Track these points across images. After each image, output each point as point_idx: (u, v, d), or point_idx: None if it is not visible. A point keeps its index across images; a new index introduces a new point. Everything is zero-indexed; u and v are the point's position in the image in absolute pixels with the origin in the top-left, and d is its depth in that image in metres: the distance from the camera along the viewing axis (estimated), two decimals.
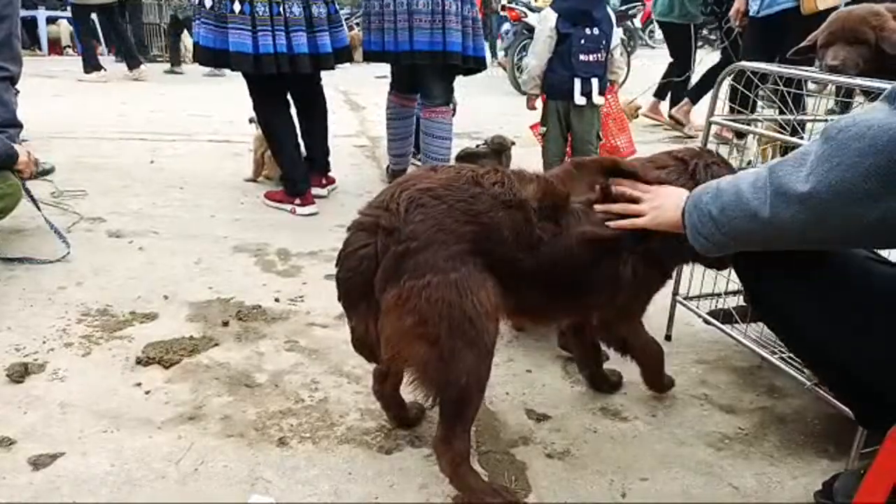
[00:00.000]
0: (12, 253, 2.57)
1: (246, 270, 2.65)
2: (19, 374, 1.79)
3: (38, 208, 2.68)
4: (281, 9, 2.99)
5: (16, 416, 1.66)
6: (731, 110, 2.01)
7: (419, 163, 3.98)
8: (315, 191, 3.56)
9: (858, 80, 1.52)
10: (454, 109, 3.78)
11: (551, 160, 3.65)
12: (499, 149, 4.50)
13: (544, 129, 4.10)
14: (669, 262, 1.68)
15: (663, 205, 1.43)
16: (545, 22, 3.23)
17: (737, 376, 2.06)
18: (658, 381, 1.87)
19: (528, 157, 4.40)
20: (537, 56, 3.26)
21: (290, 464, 1.57)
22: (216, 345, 2.06)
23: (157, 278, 2.50)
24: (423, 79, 3.57)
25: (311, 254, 2.85)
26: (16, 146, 2.58)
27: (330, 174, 3.76)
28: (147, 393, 1.79)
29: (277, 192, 3.46)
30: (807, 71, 1.71)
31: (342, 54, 3.35)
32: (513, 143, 4.63)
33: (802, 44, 1.86)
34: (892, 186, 0.94)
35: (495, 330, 1.40)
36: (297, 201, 3.36)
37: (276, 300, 2.40)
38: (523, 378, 2.01)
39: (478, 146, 4.57)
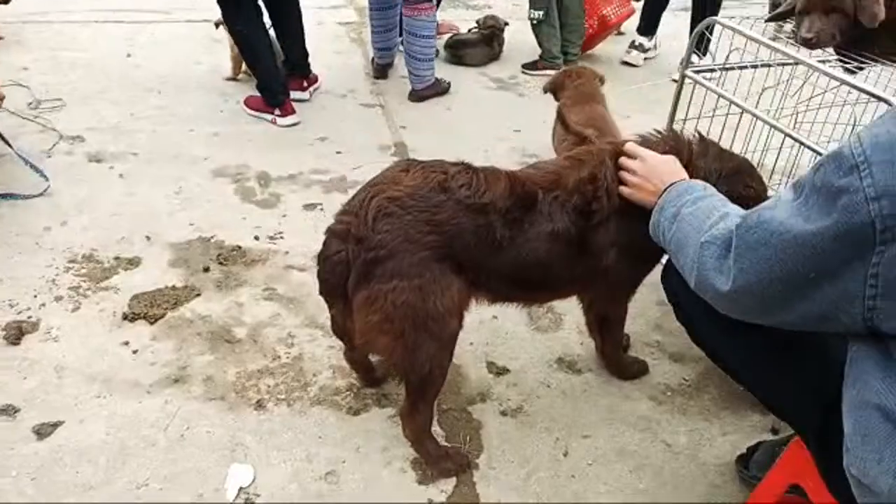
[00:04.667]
0: None
1: (226, 200, 2.70)
2: (15, 335, 1.93)
3: (9, 145, 2.67)
4: None
5: (16, 382, 1.82)
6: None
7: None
8: (296, 95, 3.48)
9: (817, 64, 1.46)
10: (438, 3, 3.56)
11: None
12: (490, 34, 4.28)
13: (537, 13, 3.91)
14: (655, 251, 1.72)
15: (644, 187, 1.48)
16: None
17: None
18: (612, 365, 1.98)
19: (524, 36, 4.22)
20: None
21: (267, 428, 1.75)
22: (198, 295, 2.17)
23: (139, 214, 2.56)
24: None
25: (290, 178, 2.87)
26: None
27: (311, 75, 3.64)
28: (135, 353, 1.94)
29: (257, 98, 3.38)
30: (775, 42, 1.63)
31: None
32: (506, 24, 4.40)
33: (780, 9, 1.74)
34: (799, 292, 0.98)
35: (458, 325, 1.52)
36: (277, 112, 3.30)
37: (256, 237, 2.47)
38: (489, 326, 2.14)
39: (470, 31, 4.35)
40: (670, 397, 1.94)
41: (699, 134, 1.65)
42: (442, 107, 3.71)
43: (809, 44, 1.60)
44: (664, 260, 1.53)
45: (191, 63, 4.00)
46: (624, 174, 1.53)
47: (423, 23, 3.47)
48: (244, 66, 3.69)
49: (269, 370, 1.91)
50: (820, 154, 1.64)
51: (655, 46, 4.42)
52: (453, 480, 1.64)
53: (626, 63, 4.35)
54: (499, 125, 3.51)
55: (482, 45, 4.23)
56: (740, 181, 1.59)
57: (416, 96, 3.69)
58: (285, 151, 3.09)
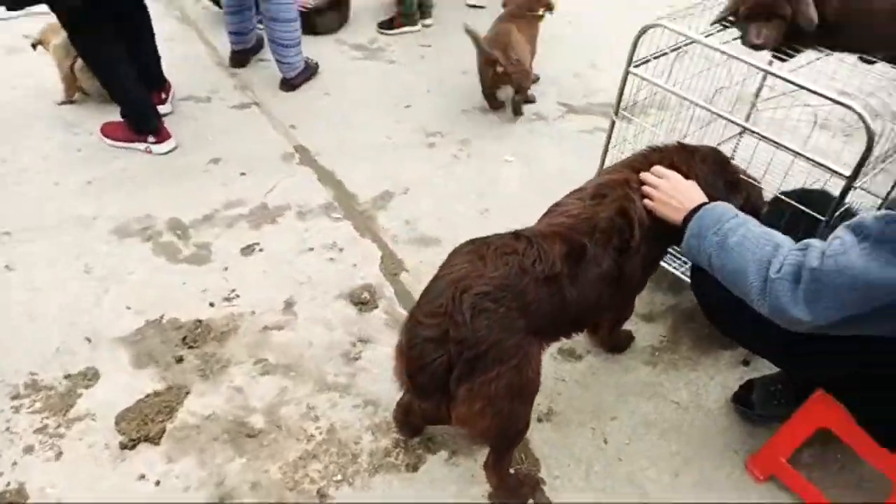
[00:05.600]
0: None
1: (151, 267, 2.42)
2: None
3: None
4: None
5: None
6: None
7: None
8: (159, 109, 3.07)
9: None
10: None
11: None
12: None
13: None
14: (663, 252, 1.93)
15: (669, 203, 1.63)
16: None
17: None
18: (610, 345, 2.20)
19: None
20: None
21: None
22: (188, 393, 2.00)
23: (59, 311, 2.22)
24: None
25: (206, 219, 2.62)
26: None
27: (166, 82, 3.22)
28: (157, 484, 1.78)
29: (116, 126, 2.94)
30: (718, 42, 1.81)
31: None
32: None
33: (721, 13, 1.89)
34: (887, 316, 1.21)
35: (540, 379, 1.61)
36: (152, 139, 2.92)
37: (211, 304, 2.28)
38: None
39: None
40: (659, 357, 2.21)
41: (679, 142, 1.82)
42: (318, 91, 3.50)
43: (758, 48, 1.78)
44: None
45: (13, 91, 3.32)
46: (649, 189, 1.67)
47: (283, 4, 3.18)
48: (78, 84, 3.15)
49: (310, 453, 1.87)
50: (769, 139, 1.88)
51: None
52: (531, 501, 1.79)
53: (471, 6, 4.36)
54: (386, 104, 3.42)
55: (330, 10, 3.98)
56: (726, 170, 1.81)
57: (289, 85, 3.44)
58: (181, 186, 2.78)
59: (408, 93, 3.51)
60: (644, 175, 1.71)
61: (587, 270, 1.57)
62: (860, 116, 1.61)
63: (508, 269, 1.46)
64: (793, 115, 2.32)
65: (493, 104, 3.37)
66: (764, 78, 2.43)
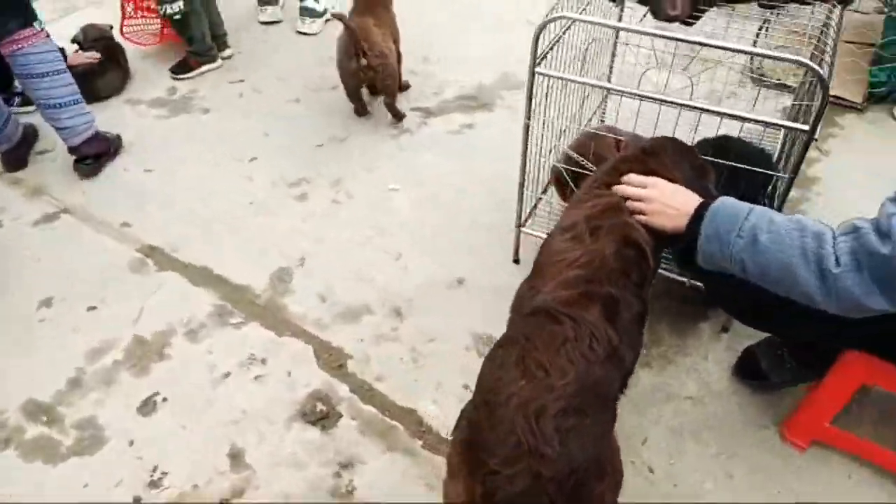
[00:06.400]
0: None
1: (25, 481, 1.77)
2: None
3: None
4: None
5: None
6: None
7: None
8: None
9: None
10: (44, 31, 2.55)
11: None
12: (109, 49, 3.31)
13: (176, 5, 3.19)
14: None
15: (664, 212, 1.48)
16: None
17: None
18: None
19: None
20: None
21: None
22: None
23: None
24: None
25: (73, 387, 1.99)
26: None
27: None
28: None
29: None
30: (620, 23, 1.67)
31: None
32: (111, 28, 3.44)
33: None
34: None
35: None
36: None
37: (137, 500, 1.73)
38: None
39: (78, 53, 3.26)
40: (650, 354, 2.10)
41: (641, 147, 1.65)
42: (136, 170, 2.86)
43: (673, 20, 1.66)
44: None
45: None
46: (639, 205, 1.50)
47: (37, 55, 2.49)
48: None
49: None
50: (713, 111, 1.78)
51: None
52: None
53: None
54: (226, 162, 2.90)
55: (109, 67, 3.26)
56: (692, 156, 1.70)
57: (81, 154, 2.73)
58: (16, 353, 2.09)
59: (244, 142, 2.99)
60: (624, 189, 1.53)
61: (624, 320, 1.37)
62: (814, 70, 1.56)
63: (574, 366, 1.20)
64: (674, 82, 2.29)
65: (360, 107, 3.06)
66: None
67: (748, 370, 1.97)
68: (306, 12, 3.78)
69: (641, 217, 1.49)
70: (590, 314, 1.29)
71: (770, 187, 1.93)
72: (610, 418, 1.25)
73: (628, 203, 1.51)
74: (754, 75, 3.14)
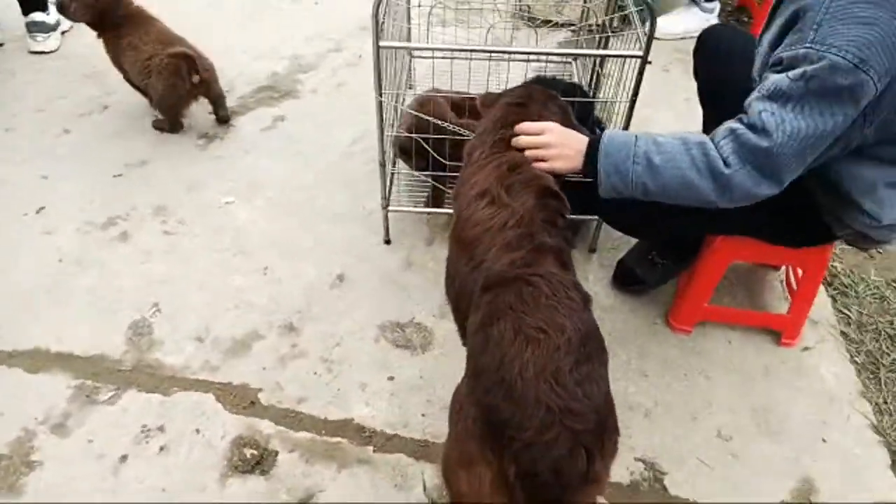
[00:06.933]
0: None
1: None
2: None
3: None
4: None
5: None
6: None
7: None
8: None
9: None
10: None
11: None
12: None
13: None
14: None
15: (562, 155, 1.55)
16: None
17: None
18: None
19: None
20: None
21: None
22: None
23: None
24: None
25: None
26: None
27: None
28: None
29: None
30: None
31: None
32: None
33: None
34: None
35: None
36: None
37: None
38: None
39: None
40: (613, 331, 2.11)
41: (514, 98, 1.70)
42: None
43: None
44: None
45: None
46: (539, 152, 1.54)
47: None
48: None
49: None
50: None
51: None
52: None
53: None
54: (12, 215, 2.38)
55: None
56: (556, 98, 1.77)
57: None
58: None
59: (21, 193, 2.49)
60: (521, 140, 1.56)
61: (570, 264, 1.43)
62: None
63: (567, 318, 1.23)
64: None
65: (180, 126, 2.78)
66: None
67: (626, 279, 2.20)
68: (36, 28, 3.18)
69: (542, 164, 1.54)
70: (550, 266, 1.33)
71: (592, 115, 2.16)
72: (606, 356, 1.32)
73: (527, 152, 1.55)
74: (525, 16, 3.39)
